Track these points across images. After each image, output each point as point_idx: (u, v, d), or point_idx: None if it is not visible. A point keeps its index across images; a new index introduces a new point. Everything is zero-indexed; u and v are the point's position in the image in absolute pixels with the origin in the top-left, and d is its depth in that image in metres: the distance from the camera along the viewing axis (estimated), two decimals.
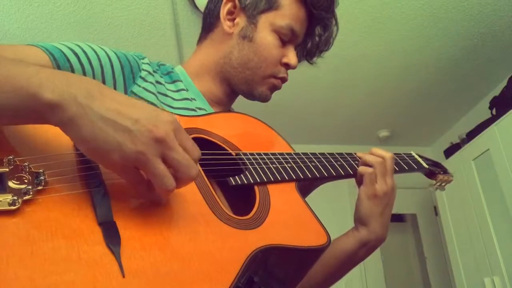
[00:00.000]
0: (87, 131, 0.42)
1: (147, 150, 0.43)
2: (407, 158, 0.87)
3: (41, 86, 0.42)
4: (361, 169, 0.76)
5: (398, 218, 3.87)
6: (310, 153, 0.76)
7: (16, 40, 2.26)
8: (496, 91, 2.78)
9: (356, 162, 0.79)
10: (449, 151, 3.04)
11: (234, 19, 0.81)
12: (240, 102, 0.93)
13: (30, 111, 0.42)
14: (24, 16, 2.15)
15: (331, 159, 0.77)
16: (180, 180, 0.46)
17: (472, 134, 2.75)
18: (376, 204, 0.74)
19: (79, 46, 0.65)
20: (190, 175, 0.46)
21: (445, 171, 0.91)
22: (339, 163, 0.76)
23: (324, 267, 0.75)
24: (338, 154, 0.80)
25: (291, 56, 0.81)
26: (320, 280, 0.76)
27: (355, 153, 0.82)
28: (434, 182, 0.90)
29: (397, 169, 0.82)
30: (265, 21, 0.79)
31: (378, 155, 0.78)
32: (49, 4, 2.11)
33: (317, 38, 0.86)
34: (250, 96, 0.83)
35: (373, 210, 0.74)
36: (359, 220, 0.76)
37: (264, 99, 0.83)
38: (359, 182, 0.77)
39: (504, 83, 2.66)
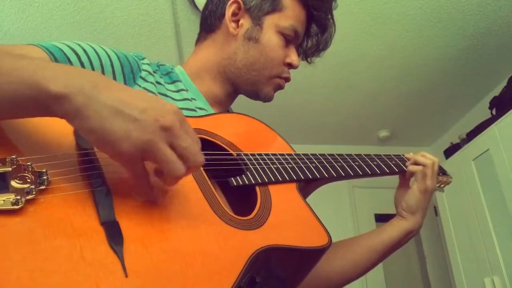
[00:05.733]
0: (94, 122, 0.42)
1: (155, 137, 0.43)
2: (407, 160, 0.88)
3: (47, 78, 0.42)
4: (413, 167, 0.85)
5: None
6: (311, 154, 0.76)
7: (16, 40, 2.26)
8: (496, 91, 2.78)
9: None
10: (449, 151, 3.04)
11: (238, 21, 0.81)
12: (239, 102, 0.93)
13: (36, 103, 0.42)
14: (24, 16, 2.15)
15: (331, 160, 0.77)
16: (188, 168, 0.46)
17: (472, 134, 2.75)
18: (425, 199, 0.83)
19: (79, 45, 0.65)
20: (197, 162, 0.47)
21: (444, 173, 0.92)
22: (339, 164, 0.77)
23: (371, 253, 0.83)
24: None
25: (293, 56, 0.83)
26: (368, 264, 0.84)
27: (403, 155, 0.88)
28: None
29: (397, 170, 0.85)
30: (270, 22, 0.80)
31: (429, 157, 0.85)
32: (49, 4, 2.10)
33: (315, 38, 0.88)
34: (255, 96, 0.85)
35: (422, 203, 0.83)
36: (408, 210, 0.83)
37: (269, 99, 0.85)
38: (406, 178, 0.86)
39: (504, 83, 2.66)
